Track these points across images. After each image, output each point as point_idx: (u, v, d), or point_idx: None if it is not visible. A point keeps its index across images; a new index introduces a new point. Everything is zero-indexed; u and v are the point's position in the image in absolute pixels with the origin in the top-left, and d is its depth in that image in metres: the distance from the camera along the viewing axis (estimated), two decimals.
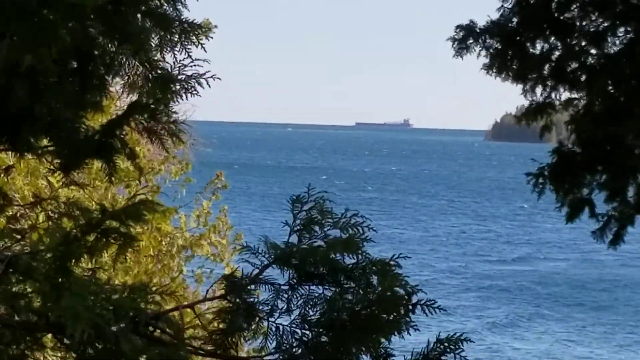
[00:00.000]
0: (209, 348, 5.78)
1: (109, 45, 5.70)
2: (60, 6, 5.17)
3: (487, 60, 11.90)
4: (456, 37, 11.90)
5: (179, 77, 5.94)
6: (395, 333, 5.51)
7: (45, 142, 6.33)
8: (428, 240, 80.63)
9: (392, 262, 5.58)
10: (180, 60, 5.91)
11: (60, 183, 7.39)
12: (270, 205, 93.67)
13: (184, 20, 5.82)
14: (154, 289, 6.03)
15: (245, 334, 5.75)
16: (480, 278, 63.43)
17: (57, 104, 5.88)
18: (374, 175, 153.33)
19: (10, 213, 7.21)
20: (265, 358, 5.69)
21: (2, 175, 9.06)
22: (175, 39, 5.80)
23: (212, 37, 6.07)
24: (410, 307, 5.51)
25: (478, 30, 11.84)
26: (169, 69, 5.96)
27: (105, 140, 6.05)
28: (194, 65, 5.92)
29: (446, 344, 5.52)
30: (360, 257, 5.61)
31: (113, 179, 6.32)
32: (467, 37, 11.86)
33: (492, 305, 55.67)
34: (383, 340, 5.52)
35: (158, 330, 5.74)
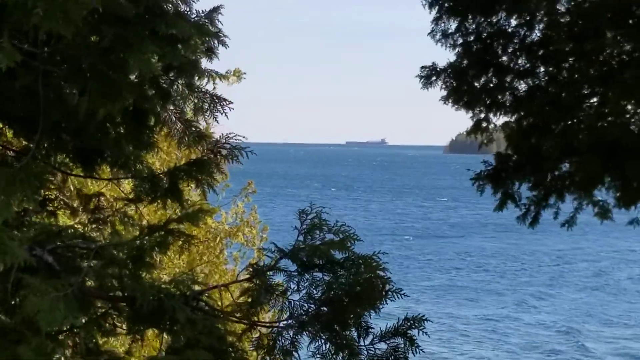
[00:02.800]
0: (238, 315, 5.80)
1: (157, 105, 5.71)
2: (126, 71, 5.11)
3: (445, 93, 11.98)
4: (422, 74, 11.90)
5: (225, 145, 6.07)
6: (374, 307, 5.57)
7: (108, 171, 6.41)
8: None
9: (373, 257, 5.64)
10: (225, 134, 6.08)
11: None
12: (287, 200, 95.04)
13: (213, 93, 5.91)
14: (199, 272, 6.11)
15: (265, 307, 5.79)
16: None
17: (125, 143, 5.97)
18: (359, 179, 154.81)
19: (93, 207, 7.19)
20: (281, 324, 5.73)
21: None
22: (206, 107, 5.88)
23: (244, 77, 5.97)
24: (384, 292, 5.58)
25: (439, 70, 11.86)
26: (201, 129, 6.09)
27: (174, 183, 6.16)
28: (236, 137, 6.11)
29: (412, 322, 5.59)
30: (349, 253, 5.64)
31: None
32: (430, 75, 11.88)
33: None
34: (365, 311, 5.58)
35: (202, 303, 5.76)
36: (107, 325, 6.09)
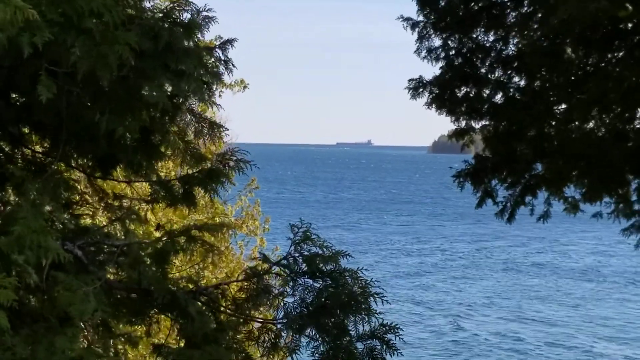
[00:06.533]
0: (236, 310, 6.04)
1: (163, 126, 5.95)
2: (141, 98, 5.36)
3: (429, 100, 12.32)
4: (410, 86, 12.21)
5: (232, 157, 6.32)
6: (358, 314, 5.73)
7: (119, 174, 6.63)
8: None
9: (358, 270, 5.86)
10: (232, 148, 6.36)
11: None
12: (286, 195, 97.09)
13: (212, 119, 6.17)
14: (208, 262, 6.34)
15: (262, 306, 6.02)
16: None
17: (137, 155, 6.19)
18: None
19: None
20: (278, 322, 5.95)
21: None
22: (205, 132, 6.11)
23: (247, 87, 6.22)
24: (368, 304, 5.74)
25: (425, 82, 12.18)
26: (201, 150, 6.30)
27: (189, 190, 6.39)
28: (241, 151, 6.37)
29: (387, 328, 5.77)
30: (337, 265, 5.84)
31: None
32: (418, 87, 12.20)
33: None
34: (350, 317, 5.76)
35: (205, 298, 6.03)
36: (124, 311, 6.29)
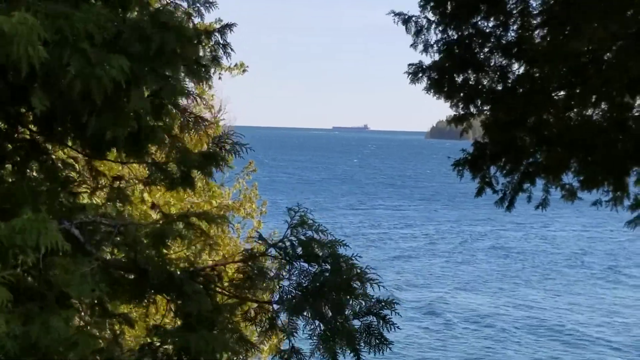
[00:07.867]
0: (232, 291, 6.11)
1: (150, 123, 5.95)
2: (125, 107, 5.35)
3: (428, 84, 12.29)
4: (410, 71, 12.17)
5: (228, 140, 6.40)
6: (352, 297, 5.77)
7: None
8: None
9: (352, 258, 5.89)
10: (227, 132, 6.43)
11: None
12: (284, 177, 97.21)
13: (196, 113, 6.25)
14: (204, 244, 6.42)
15: (259, 288, 6.08)
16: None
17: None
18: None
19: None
20: (274, 303, 6.01)
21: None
22: (191, 126, 6.23)
23: (247, 70, 6.23)
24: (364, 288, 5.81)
25: (424, 67, 12.15)
26: (187, 146, 6.36)
27: (187, 173, 6.39)
28: (236, 134, 6.46)
29: (383, 304, 5.83)
30: (331, 251, 5.88)
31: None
32: (417, 72, 12.18)
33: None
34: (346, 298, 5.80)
35: (202, 278, 6.09)
36: (121, 291, 6.33)
